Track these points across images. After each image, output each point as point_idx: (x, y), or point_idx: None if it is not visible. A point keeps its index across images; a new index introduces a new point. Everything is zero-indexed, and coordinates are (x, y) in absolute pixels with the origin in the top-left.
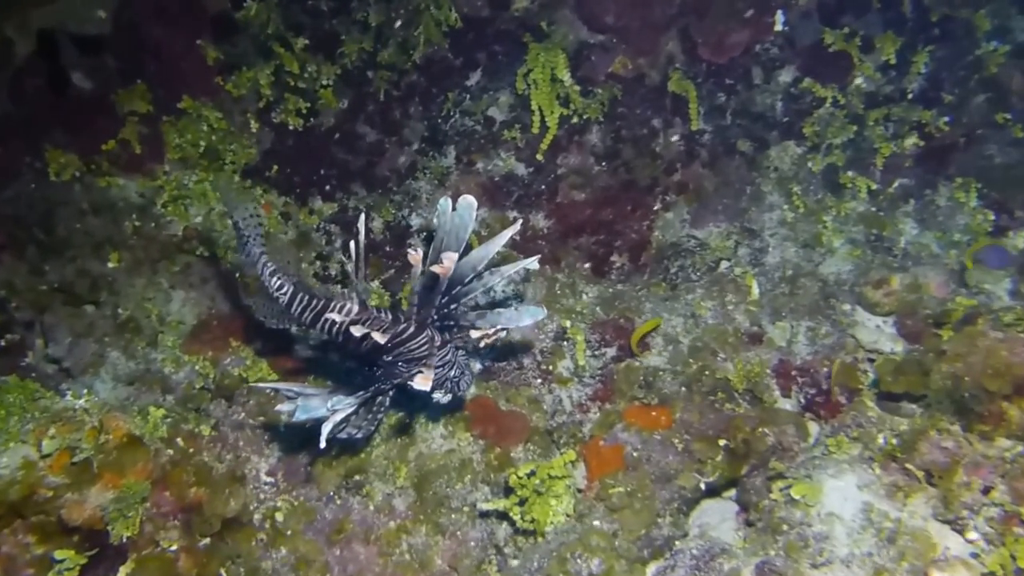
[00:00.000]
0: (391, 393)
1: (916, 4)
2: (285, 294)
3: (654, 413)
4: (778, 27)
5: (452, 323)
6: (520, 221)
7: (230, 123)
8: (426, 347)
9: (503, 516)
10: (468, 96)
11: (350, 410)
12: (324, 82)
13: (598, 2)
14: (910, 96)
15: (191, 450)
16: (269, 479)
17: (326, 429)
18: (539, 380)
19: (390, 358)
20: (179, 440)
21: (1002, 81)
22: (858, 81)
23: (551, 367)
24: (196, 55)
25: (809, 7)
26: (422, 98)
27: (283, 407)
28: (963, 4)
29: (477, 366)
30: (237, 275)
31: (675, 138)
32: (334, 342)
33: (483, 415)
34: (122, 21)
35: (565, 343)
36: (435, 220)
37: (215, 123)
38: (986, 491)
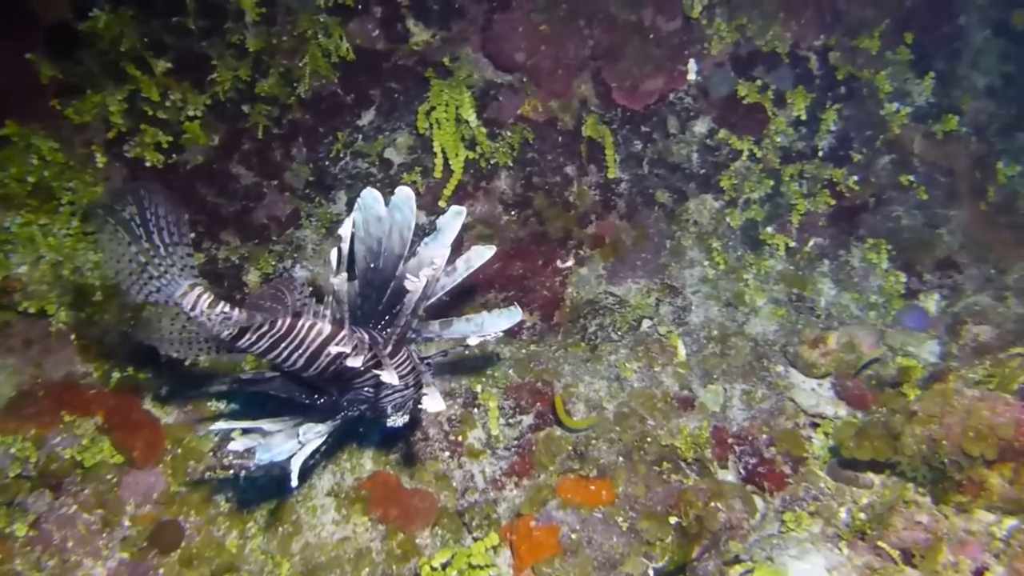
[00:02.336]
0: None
1: (823, 61)
2: (235, 324)
3: (593, 487)
4: (691, 76)
5: (414, 336)
6: (464, 210)
7: (69, 155)
8: (407, 366)
9: None
10: (361, 136)
11: (320, 441)
12: (191, 113)
13: (506, 39)
14: (821, 154)
15: None
16: None
17: (297, 464)
18: (447, 453)
19: (359, 382)
20: None
21: (905, 143)
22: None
23: (460, 437)
24: (25, 72)
25: (722, 58)
26: (307, 137)
27: (235, 444)
28: (865, 64)
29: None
30: (72, 336)
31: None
32: (291, 369)
33: (383, 494)
34: None
35: (476, 410)
36: (355, 217)
37: (48, 155)
38: (978, 573)
